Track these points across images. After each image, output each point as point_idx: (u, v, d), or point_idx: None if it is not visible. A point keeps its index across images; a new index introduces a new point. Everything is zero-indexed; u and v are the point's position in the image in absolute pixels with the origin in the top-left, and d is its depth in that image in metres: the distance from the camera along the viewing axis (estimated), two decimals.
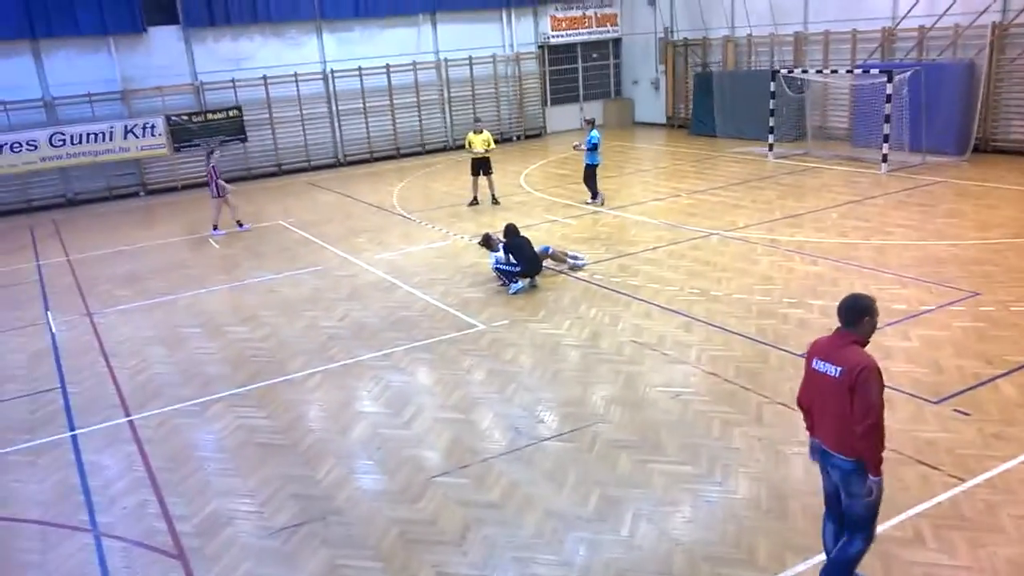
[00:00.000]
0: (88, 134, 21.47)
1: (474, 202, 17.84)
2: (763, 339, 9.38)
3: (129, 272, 14.62)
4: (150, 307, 12.47)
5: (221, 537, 6.39)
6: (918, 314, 9.67)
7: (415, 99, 26.09)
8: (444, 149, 26.51)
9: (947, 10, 19.03)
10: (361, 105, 25.34)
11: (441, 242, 15.05)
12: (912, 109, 18.67)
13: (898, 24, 20.45)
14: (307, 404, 8.73)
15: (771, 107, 20.92)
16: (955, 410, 7.45)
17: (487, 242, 12.72)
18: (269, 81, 23.83)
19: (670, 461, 6.98)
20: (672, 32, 27.40)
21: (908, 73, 18.43)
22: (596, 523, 6.20)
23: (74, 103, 21.63)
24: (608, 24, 29.27)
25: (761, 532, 5.93)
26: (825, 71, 20.79)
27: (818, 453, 5.07)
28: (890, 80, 17.73)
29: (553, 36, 28.22)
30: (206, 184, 17.51)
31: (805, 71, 21.06)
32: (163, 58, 22.59)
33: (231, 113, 23.31)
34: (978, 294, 10.24)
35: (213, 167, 17.01)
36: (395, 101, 25.77)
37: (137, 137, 22.05)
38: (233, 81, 23.36)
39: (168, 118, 22.41)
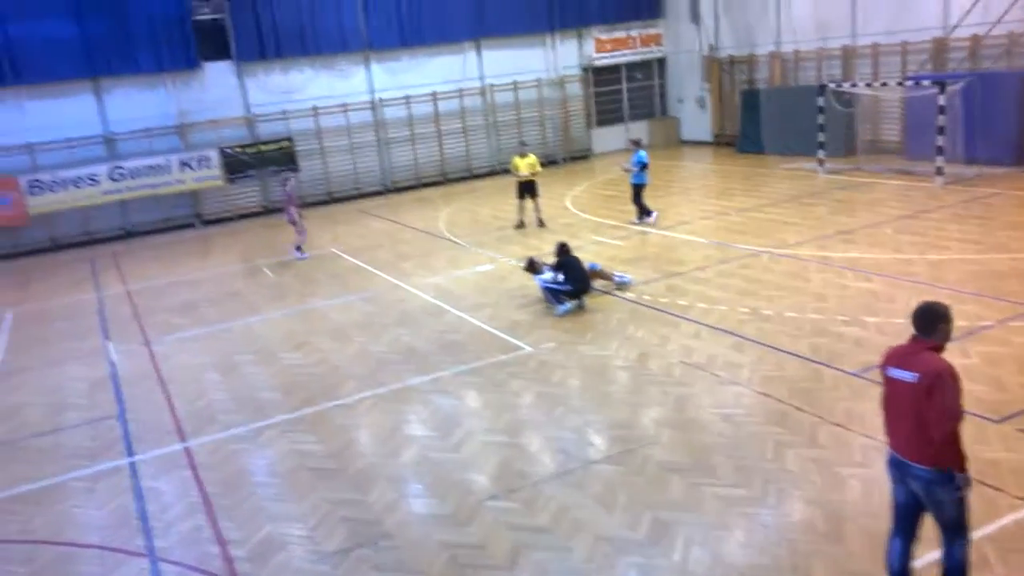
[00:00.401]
0: (146, 167, 22.15)
1: (520, 225, 17.90)
2: (817, 358, 9.19)
3: (185, 301, 14.98)
4: (205, 335, 12.75)
5: (274, 562, 6.45)
6: (978, 330, 9.38)
7: (461, 125, 26.38)
8: (490, 174, 26.70)
9: (1001, 17, 18.59)
10: (409, 132, 25.70)
11: (488, 265, 15.11)
12: (966, 120, 18.24)
13: (950, 33, 20.05)
14: (358, 428, 8.81)
15: (820, 122, 20.63)
16: (1019, 429, 7.19)
17: (531, 266, 12.72)
18: (319, 111, 24.34)
19: (723, 484, 6.86)
20: (716, 49, 27.28)
21: (961, 83, 18.04)
22: (648, 548, 6.11)
23: (132, 138, 22.37)
24: (652, 44, 29.26)
25: (817, 556, 5.77)
26: (875, 84, 20.45)
27: (893, 465, 4.96)
28: (942, 91, 17.37)
29: (597, 58, 28.32)
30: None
31: (854, 84, 20.74)
32: (217, 92, 23.26)
33: (283, 144, 23.84)
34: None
35: (290, 193, 17.44)
36: (442, 127, 26.09)
37: (192, 169, 22.67)
38: (284, 112, 23.91)
39: (222, 150, 23.01)
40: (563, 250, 12.28)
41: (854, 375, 8.63)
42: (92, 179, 21.62)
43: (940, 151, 17.68)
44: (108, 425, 9.62)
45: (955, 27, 19.83)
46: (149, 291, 16.15)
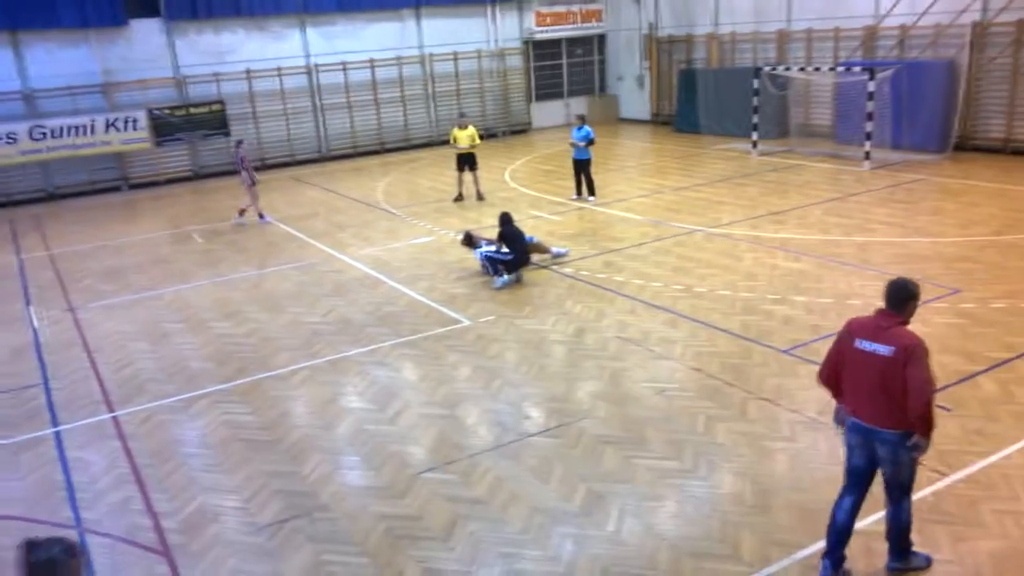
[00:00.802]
0: (69, 127, 21.23)
1: (459, 198, 17.82)
2: (747, 335, 9.44)
3: (112, 267, 14.51)
4: (133, 302, 12.39)
5: (206, 533, 6.37)
6: None
7: (399, 94, 26.02)
8: (429, 144, 26.46)
9: (928, 8, 19.18)
10: (345, 100, 25.23)
11: (426, 238, 15.03)
12: (894, 107, 18.84)
13: (880, 22, 20.60)
14: (292, 400, 8.71)
15: (755, 104, 21.02)
16: (937, 406, 7.49)
17: (469, 240, 12.69)
18: (252, 75, 23.68)
19: (655, 456, 7.02)
20: (656, 28, 27.46)
21: (890, 71, 18.58)
22: (582, 518, 6.23)
23: (54, 96, 21.40)
24: (593, 20, 29.26)
25: (745, 527, 5.98)
26: (808, 68, 20.91)
27: (857, 431, 5.20)
28: (872, 78, 17.88)
29: (538, 31, 28.20)
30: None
31: (788, 68, 21.18)
32: (145, 51, 22.38)
33: (214, 107, 23.13)
34: (959, 291, 10.36)
35: (242, 157, 16.93)
36: (379, 96, 25.69)
37: (119, 131, 21.84)
38: (216, 75, 23.20)
39: (150, 111, 22.21)
40: (505, 219, 12.31)
41: (783, 352, 8.90)
42: (10, 137, 20.62)
43: (868, 136, 18.25)
44: (31, 394, 9.29)
45: (885, 16, 20.38)
46: (73, 256, 15.58)
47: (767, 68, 21.32)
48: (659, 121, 28.00)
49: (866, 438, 5.16)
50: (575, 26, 28.97)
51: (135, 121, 21.99)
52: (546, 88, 29.37)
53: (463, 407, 8.23)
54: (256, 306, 11.78)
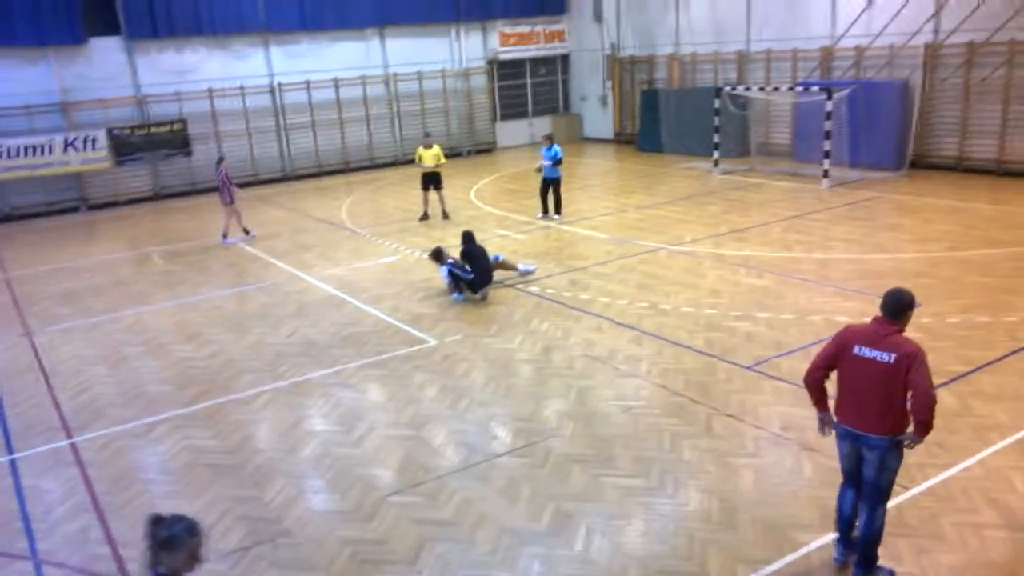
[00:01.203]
0: (26, 147, 20.85)
1: (424, 217, 17.80)
2: (711, 352, 9.52)
3: (70, 289, 14.24)
4: (92, 326, 12.15)
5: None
6: None
7: (364, 113, 25.97)
8: (394, 164, 26.41)
9: (883, 30, 19.65)
10: (309, 119, 25.13)
11: (391, 257, 14.97)
12: (851, 126, 19.23)
13: (836, 43, 21.05)
14: (255, 423, 8.59)
15: (716, 123, 21.34)
16: None
17: (438, 255, 12.65)
18: (214, 93, 23.50)
19: (622, 474, 7.03)
20: (619, 49, 27.78)
21: (847, 91, 18.97)
22: (550, 538, 6.21)
23: (11, 115, 21.01)
24: (556, 40, 29.53)
25: (712, 544, 6.00)
26: (767, 88, 21.27)
27: (847, 437, 5.37)
28: (829, 98, 18.25)
29: (502, 52, 28.37)
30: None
31: (748, 88, 21.52)
32: (104, 70, 22.10)
33: (175, 127, 22.90)
34: (918, 306, 10.51)
35: (225, 173, 16.69)
36: (344, 115, 25.62)
37: (77, 151, 21.50)
38: (178, 94, 22.98)
39: (110, 131, 21.91)
40: (467, 238, 12.36)
41: (747, 368, 8.99)
42: None
43: (827, 155, 18.58)
44: None
45: (840, 37, 20.84)
46: (30, 278, 15.26)
47: (728, 88, 21.64)
48: (622, 140, 28.27)
49: (854, 444, 5.35)
50: (539, 46, 29.19)
51: (94, 140, 21.67)
52: (510, 108, 29.52)
53: (430, 428, 8.17)
54: (218, 328, 11.62)
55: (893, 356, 5.07)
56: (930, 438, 7.13)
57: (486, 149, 28.56)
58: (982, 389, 8.20)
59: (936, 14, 18.93)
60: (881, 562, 5.50)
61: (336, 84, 25.22)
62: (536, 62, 29.57)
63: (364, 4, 25.22)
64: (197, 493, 7.21)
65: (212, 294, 13.37)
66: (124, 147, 22.18)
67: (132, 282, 14.55)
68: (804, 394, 8.18)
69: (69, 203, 22.28)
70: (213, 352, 10.70)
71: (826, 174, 18.62)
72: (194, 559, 3.66)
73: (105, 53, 22.13)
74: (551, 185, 16.94)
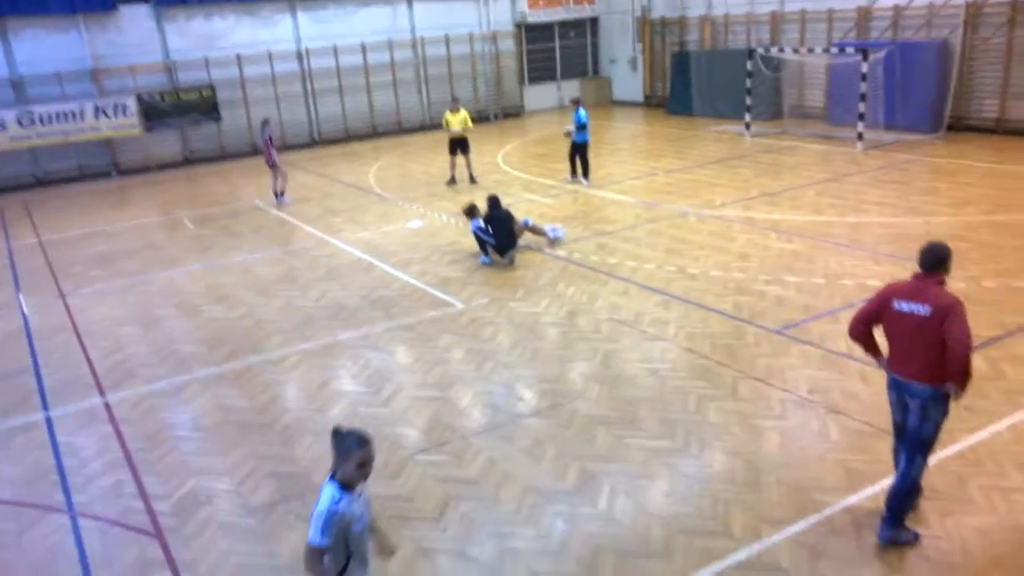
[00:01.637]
0: (58, 113, 21.10)
1: (452, 181, 17.76)
2: (739, 316, 9.44)
3: (102, 253, 14.45)
4: (124, 288, 12.34)
5: (199, 516, 6.37)
6: None
7: (391, 78, 25.87)
8: (421, 128, 26.34)
9: None
10: (337, 84, 25.08)
11: (419, 221, 14.98)
12: (887, 88, 18.79)
13: (874, 3, 20.51)
14: (285, 383, 8.70)
15: (748, 86, 20.96)
16: None
17: (471, 212, 12.58)
18: (243, 60, 23.53)
19: (647, 436, 7.03)
20: (649, 11, 27.33)
21: (883, 52, 18.52)
22: (574, 497, 6.25)
23: (43, 82, 21.22)
24: (585, 2, 29.12)
25: (736, 504, 5.99)
26: (801, 50, 20.82)
27: (893, 387, 5.47)
28: (865, 59, 17.82)
29: (531, 15, 28.04)
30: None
31: (781, 50, 21.09)
32: (134, 36, 22.22)
33: (204, 92, 23.01)
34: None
35: (269, 137, 16.82)
36: (371, 80, 25.54)
37: (108, 117, 21.71)
38: (206, 60, 23.05)
39: (139, 97, 22.08)
40: (493, 202, 12.31)
41: (775, 332, 8.91)
42: None
43: (861, 117, 18.20)
44: (22, 379, 9.26)
45: None
46: (64, 242, 15.51)
47: (760, 50, 21.23)
48: (652, 103, 27.91)
49: (899, 393, 5.42)
50: (568, 8, 28.81)
51: (124, 107, 21.86)
52: (539, 71, 29.24)
53: (456, 389, 8.22)
54: (248, 291, 11.75)
55: (929, 308, 5.11)
56: (960, 402, 7.07)
57: (514, 113, 28.35)
58: (1016, 354, 8.06)
59: None
60: (907, 524, 5.46)
61: (363, 49, 25.11)
62: (565, 25, 29.19)
63: None
64: (227, 450, 7.34)
65: (242, 257, 13.49)
66: (154, 113, 22.35)
67: (163, 246, 14.73)
68: (832, 358, 8.17)
69: (101, 168, 22.54)
70: (243, 314, 10.82)
71: (860, 137, 18.25)
72: (363, 469, 3.96)
73: (135, 20, 22.23)
74: (580, 149, 16.81)
